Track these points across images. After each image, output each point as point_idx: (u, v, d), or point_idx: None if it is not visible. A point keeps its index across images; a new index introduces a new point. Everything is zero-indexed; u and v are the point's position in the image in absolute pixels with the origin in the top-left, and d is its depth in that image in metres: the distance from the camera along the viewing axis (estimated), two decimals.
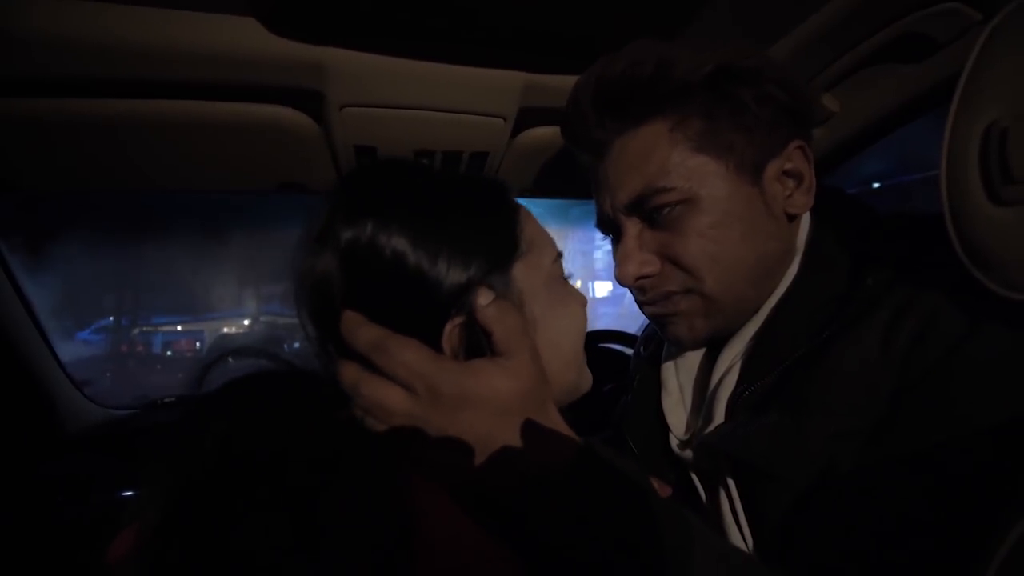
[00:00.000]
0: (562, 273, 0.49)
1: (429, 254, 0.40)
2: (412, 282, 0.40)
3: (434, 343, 0.40)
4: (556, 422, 0.42)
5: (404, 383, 0.38)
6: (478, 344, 0.41)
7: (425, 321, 0.41)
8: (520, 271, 0.44)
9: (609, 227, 0.61)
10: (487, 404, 0.38)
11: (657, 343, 0.71)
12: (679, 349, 0.65)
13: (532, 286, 0.45)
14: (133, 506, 0.34)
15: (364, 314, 0.40)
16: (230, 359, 0.41)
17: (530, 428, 0.39)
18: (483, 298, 0.40)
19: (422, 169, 0.46)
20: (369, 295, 0.41)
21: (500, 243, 0.44)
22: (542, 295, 0.45)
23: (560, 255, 0.49)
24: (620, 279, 0.56)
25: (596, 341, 1.54)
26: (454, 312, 0.41)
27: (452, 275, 0.41)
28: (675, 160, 0.52)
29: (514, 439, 0.39)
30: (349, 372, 0.40)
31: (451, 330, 0.41)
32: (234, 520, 0.29)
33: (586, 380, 0.51)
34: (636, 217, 0.56)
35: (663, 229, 0.54)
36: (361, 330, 0.39)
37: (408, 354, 0.38)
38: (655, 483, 0.51)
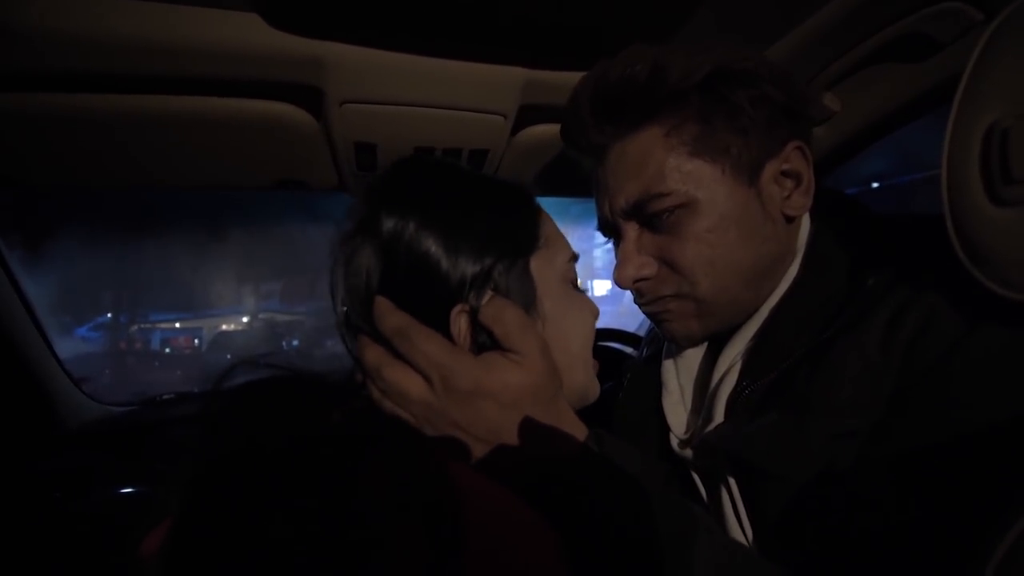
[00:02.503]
0: (575, 276, 0.51)
1: (455, 247, 0.43)
2: (436, 272, 0.43)
3: (443, 324, 0.43)
4: (565, 414, 0.43)
5: (422, 372, 0.40)
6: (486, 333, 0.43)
7: (444, 307, 0.43)
8: (536, 266, 0.46)
9: (609, 230, 0.61)
10: (498, 397, 0.40)
11: (658, 344, 0.71)
12: (678, 348, 0.65)
13: (546, 281, 0.47)
14: (160, 501, 0.35)
15: (392, 299, 0.42)
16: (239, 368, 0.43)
17: (539, 420, 0.41)
18: (482, 298, 0.42)
19: (454, 167, 0.49)
20: (399, 282, 0.43)
21: (519, 237, 0.46)
22: (554, 292, 0.47)
23: (575, 257, 0.51)
24: (618, 281, 0.57)
25: (595, 339, 1.53)
26: (464, 299, 0.43)
27: (469, 265, 0.43)
28: (671, 165, 0.53)
29: (523, 430, 0.40)
30: (373, 354, 0.42)
31: (456, 316, 0.43)
32: (265, 504, 0.30)
33: (594, 389, 0.52)
34: (635, 221, 0.56)
35: (662, 232, 0.55)
36: (389, 316, 0.41)
37: (428, 345, 0.40)
38: None
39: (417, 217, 0.43)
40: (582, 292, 0.52)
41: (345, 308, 0.45)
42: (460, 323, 0.43)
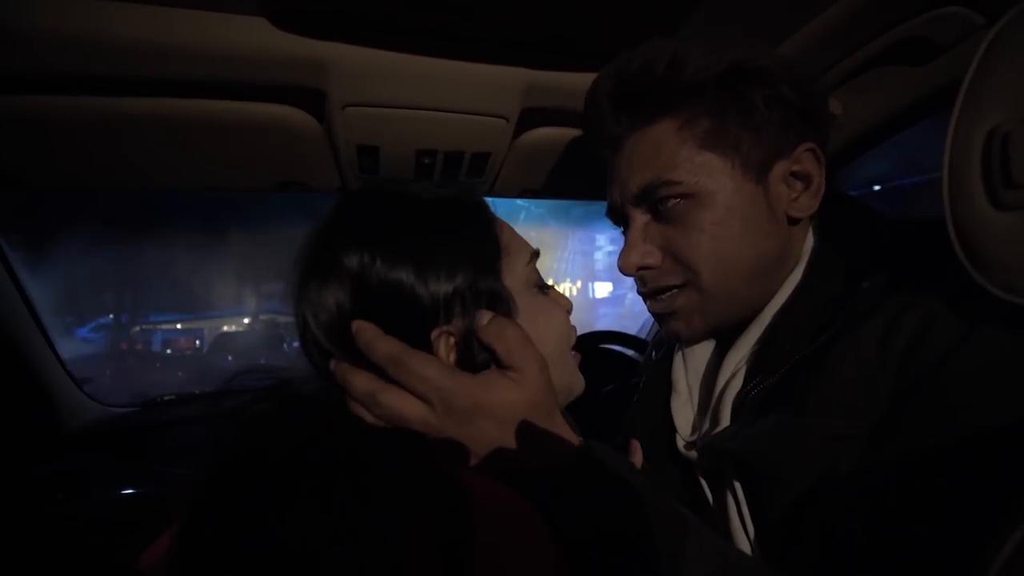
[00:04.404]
0: (538, 275, 0.51)
1: (422, 272, 0.43)
2: (411, 299, 0.43)
3: (424, 347, 0.43)
4: (560, 426, 0.44)
5: (421, 396, 0.40)
6: (470, 353, 0.43)
7: (417, 329, 0.43)
8: (502, 278, 0.47)
9: (618, 218, 0.62)
10: (498, 415, 0.41)
11: (668, 346, 0.72)
12: (683, 347, 0.66)
13: (513, 290, 0.47)
14: (165, 507, 0.36)
15: None
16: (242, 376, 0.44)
17: (534, 434, 0.41)
18: (482, 318, 0.43)
19: (405, 192, 0.49)
20: (373, 311, 0.43)
21: (484, 251, 0.46)
22: (522, 298, 0.47)
23: (535, 255, 0.51)
24: (622, 268, 0.58)
25: (596, 342, 1.53)
26: (442, 321, 0.43)
27: (441, 287, 0.43)
28: (683, 155, 0.54)
29: (520, 444, 0.41)
30: (364, 382, 0.42)
31: (437, 338, 0.43)
32: (276, 507, 0.31)
33: (578, 382, 0.52)
34: (643, 208, 0.57)
35: (668, 222, 0.55)
36: (378, 343, 0.41)
37: (426, 369, 0.40)
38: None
39: (383, 250, 0.43)
40: (548, 290, 0.52)
41: (315, 338, 0.45)
42: (442, 344, 0.43)
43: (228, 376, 0.43)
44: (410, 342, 0.42)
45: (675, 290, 0.57)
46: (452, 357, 0.44)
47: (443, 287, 0.43)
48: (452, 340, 0.44)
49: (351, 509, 0.30)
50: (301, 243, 0.47)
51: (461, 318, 0.44)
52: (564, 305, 0.52)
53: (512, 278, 0.48)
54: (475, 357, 0.43)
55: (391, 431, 0.41)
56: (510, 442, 0.41)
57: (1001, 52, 0.38)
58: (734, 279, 0.55)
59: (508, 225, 0.51)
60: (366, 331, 0.42)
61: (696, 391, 0.64)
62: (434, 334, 0.43)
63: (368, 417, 0.42)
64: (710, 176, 0.53)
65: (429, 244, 0.44)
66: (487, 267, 0.46)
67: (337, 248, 0.44)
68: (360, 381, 0.42)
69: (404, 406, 0.41)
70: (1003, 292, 0.38)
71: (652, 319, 1.53)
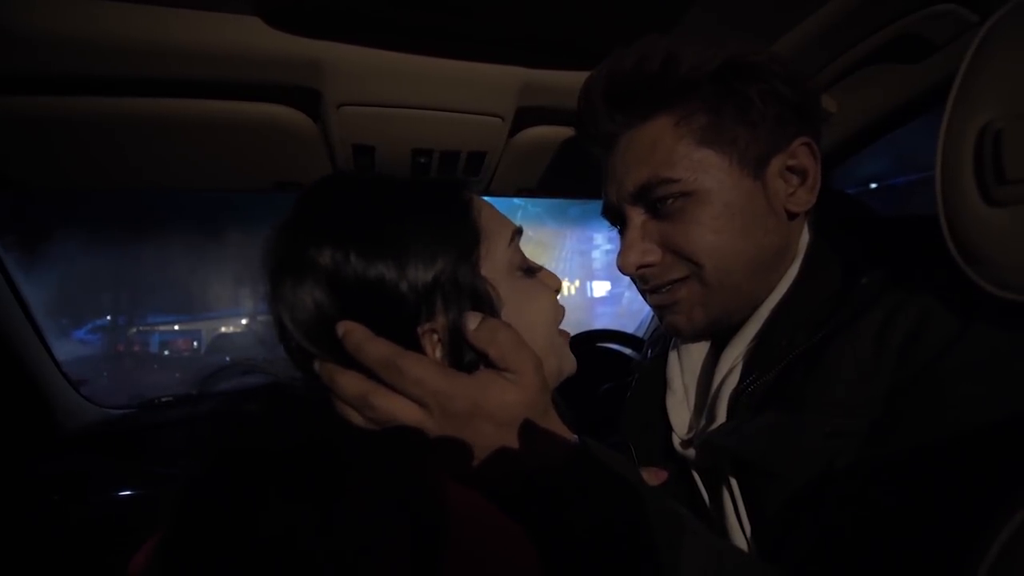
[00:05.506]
0: (521, 255, 0.49)
1: (400, 263, 0.41)
2: (393, 294, 0.41)
3: (410, 343, 0.41)
4: (556, 425, 0.43)
5: (416, 399, 0.39)
6: (458, 351, 0.42)
7: (399, 325, 0.42)
8: (481, 262, 0.45)
9: (615, 217, 0.62)
10: (496, 417, 0.40)
11: (663, 345, 0.72)
12: (683, 347, 0.66)
13: (493, 275, 0.45)
14: (155, 507, 0.36)
15: None
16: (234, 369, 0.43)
17: (531, 433, 0.41)
18: (471, 322, 0.41)
19: (372, 180, 0.47)
20: (354, 310, 0.41)
21: (461, 237, 0.44)
22: (504, 284, 0.45)
23: (516, 233, 0.49)
24: (622, 268, 0.58)
25: (595, 341, 1.54)
26: (424, 318, 0.42)
27: (419, 279, 0.41)
28: (680, 152, 0.53)
29: (517, 444, 0.40)
30: (355, 384, 0.40)
31: (424, 335, 0.42)
32: (258, 509, 0.30)
33: (568, 363, 0.51)
34: (641, 207, 0.57)
35: (666, 220, 0.55)
36: (369, 346, 0.40)
37: (421, 371, 0.39)
38: (648, 472, 0.52)
39: (355, 243, 0.41)
40: (534, 272, 0.50)
41: (295, 339, 0.43)
42: (427, 343, 0.42)
43: (217, 369, 0.42)
44: (397, 340, 0.40)
45: (677, 282, 0.57)
46: (439, 353, 0.42)
47: (421, 278, 0.41)
48: (436, 337, 0.42)
49: (333, 515, 0.30)
50: (268, 239, 0.44)
51: (444, 314, 0.42)
52: (552, 285, 0.51)
53: (494, 263, 0.46)
54: (463, 356, 0.42)
55: (382, 433, 0.40)
56: (507, 443, 0.40)
57: (993, 49, 0.38)
58: (736, 272, 0.55)
59: (487, 204, 0.49)
60: (355, 333, 0.40)
61: (692, 390, 0.64)
62: (421, 331, 0.42)
63: (357, 419, 0.41)
64: (708, 173, 0.53)
65: (401, 232, 0.42)
66: (465, 254, 0.43)
67: (307, 244, 0.42)
68: (350, 384, 0.40)
69: (398, 409, 0.39)
70: (996, 288, 0.38)
71: (649, 318, 1.54)
